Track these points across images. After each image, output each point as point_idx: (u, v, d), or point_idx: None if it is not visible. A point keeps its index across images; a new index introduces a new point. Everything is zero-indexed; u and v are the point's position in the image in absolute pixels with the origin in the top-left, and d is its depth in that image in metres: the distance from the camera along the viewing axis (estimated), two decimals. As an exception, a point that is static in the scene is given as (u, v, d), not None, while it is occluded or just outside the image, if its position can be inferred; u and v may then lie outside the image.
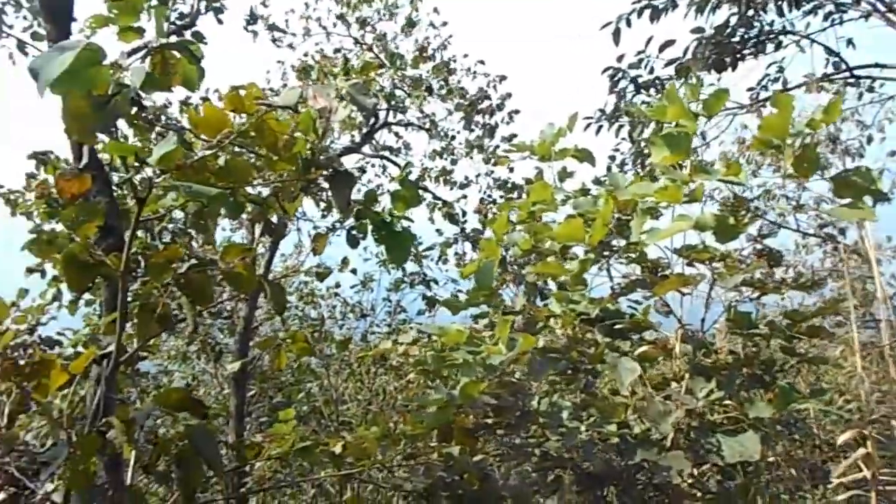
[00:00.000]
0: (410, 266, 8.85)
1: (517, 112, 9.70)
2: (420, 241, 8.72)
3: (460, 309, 3.33)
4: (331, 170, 2.68)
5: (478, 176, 9.81)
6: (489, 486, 3.22)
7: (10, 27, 6.56)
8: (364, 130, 9.05)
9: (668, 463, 2.41)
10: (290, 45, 8.93)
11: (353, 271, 8.80)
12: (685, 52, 6.35)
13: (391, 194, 2.86)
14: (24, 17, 6.86)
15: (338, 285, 9.45)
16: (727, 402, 2.79)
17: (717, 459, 2.41)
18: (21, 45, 6.54)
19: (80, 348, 4.38)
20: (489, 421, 3.24)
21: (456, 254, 9.57)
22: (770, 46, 6.55)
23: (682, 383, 2.70)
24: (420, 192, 9.63)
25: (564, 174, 3.33)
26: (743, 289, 2.89)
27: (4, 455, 3.67)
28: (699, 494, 2.90)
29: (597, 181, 3.30)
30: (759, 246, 2.87)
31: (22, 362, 3.35)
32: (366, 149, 9.43)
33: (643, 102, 6.46)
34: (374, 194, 3.01)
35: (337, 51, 8.87)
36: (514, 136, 9.17)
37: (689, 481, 2.96)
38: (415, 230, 2.97)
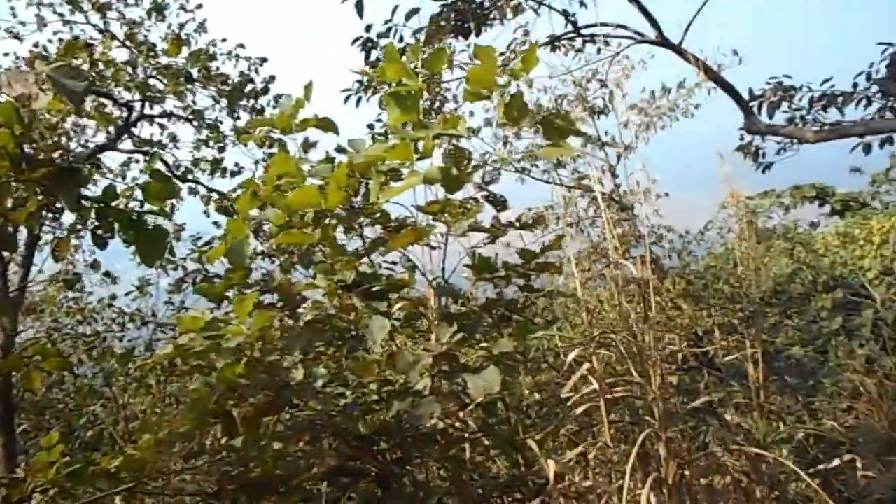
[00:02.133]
0: (191, 264, 8.39)
1: (288, 96, 9.40)
2: (199, 237, 8.26)
3: (218, 293, 3.20)
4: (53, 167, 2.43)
5: (257, 162, 9.46)
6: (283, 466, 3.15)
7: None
8: (120, 124, 8.38)
9: (420, 410, 2.49)
10: (17, 36, 7.95)
11: (107, 273, 8.41)
12: (431, 20, 6.55)
13: (141, 188, 2.64)
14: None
15: (113, 297, 8.75)
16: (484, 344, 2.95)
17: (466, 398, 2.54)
18: None
19: None
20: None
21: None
22: (510, 12, 6.94)
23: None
24: (192, 184, 9.16)
25: (307, 145, 3.30)
26: (480, 235, 3.05)
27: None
28: (466, 435, 3.06)
29: (339, 149, 3.29)
30: (484, 193, 3.03)
31: None
32: (127, 144, 8.74)
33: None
34: (112, 190, 2.77)
35: (75, 38, 8.02)
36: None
37: (457, 424, 3.11)
38: (194, 225, 2.80)
